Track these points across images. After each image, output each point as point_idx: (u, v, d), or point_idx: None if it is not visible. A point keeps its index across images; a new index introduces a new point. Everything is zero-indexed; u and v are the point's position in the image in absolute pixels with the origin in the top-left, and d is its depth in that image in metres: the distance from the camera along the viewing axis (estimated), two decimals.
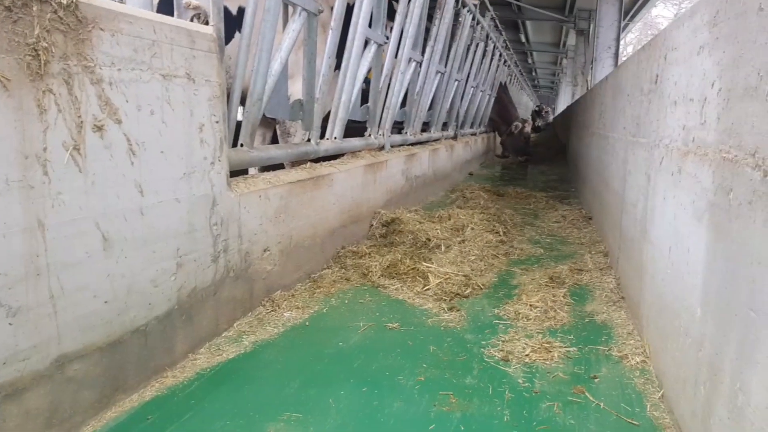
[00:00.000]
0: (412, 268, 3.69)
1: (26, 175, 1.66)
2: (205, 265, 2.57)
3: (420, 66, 6.27)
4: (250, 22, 2.87)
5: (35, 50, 1.66)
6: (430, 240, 4.29)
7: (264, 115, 3.21)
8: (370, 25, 4.47)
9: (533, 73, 35.28)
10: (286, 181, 3.28)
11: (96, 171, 1.91)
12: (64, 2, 1.74)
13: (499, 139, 14.93)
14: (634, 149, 3.47)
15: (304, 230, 3.50)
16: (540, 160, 13.34)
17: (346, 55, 4.16)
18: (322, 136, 4.07)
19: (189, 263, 2.45)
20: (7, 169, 1.60)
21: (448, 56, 7.61)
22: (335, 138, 4.25)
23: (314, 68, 3.64)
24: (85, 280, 1.90)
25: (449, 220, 4.95)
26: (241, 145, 3.02)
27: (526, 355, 2.62)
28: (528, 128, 14.06)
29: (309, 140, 3.82)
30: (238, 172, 3.00)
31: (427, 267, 3.68)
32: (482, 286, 3.55)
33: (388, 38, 5.01)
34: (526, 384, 2.36)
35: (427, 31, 6.47)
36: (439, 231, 4.49)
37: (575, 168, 9.24)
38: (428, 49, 6.47)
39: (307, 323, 2.95)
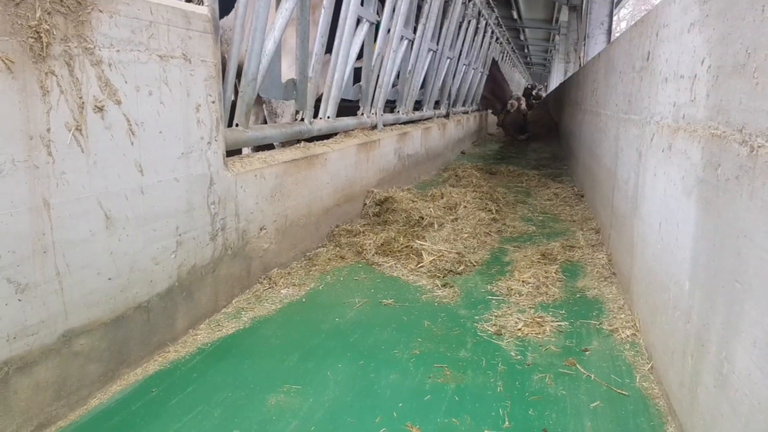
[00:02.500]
0: (406, 246, 3.75)
1: (31, 156, 1.68)
2: (204, 243, 2.61)
3: (412, 44, 6.26)
4: (244, 1, 2.87)
5: (37, 32, 1.67)
6: (423, 218, 4.34)
7: (258, 95, 3.23)
8: (362, 4, 4.46)
9: (526, 50, 35.11)
10: (281, 160, 3.30)
11: (98, 151, 1.94)
12: None
13: (492, 118, 14.93)
14: (626, 126, 3.52)
15: (299, 209, 3.54)
16: (533, 138, 13.38)
17: (338, 34, 4.16)
18: (315, 115, 4.08)
19: (188, 241, 2.49)
20: (13, 150, 1.62)
21: (440, 34, 7.58)
22: (328, 117, 4.26)
23: (307, 48, 3.64)
24: (89, 257, 1.93)
25: (442, 198, 5.00)
26: (237, 125, 3.04)
27: (519, 330, 2.67)
28: (524, 105, 14.05)
29: (302, 119, 3.84)
30: (233, 153, 3.03)
31: (421, 245, 3.74)
32: (475, 263, 3.60)
33: (379, 16, 5.00)
34: (519, 357, 2.42)
35: (420, 8, 6.43)
36: (432, 209, 4.54)
37: (567, 146, 9.29)
38: (420, 27, 6.45)
39: (303, 300, 3.00)
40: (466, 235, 4.11)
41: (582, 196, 5.89)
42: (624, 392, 2.17)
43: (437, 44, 7.48)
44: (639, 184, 2.91)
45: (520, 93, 16.57)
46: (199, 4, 2.54)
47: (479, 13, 10.09)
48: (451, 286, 3.23)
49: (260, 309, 2.85)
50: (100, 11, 1.91)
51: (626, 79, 3.68)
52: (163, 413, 1.95)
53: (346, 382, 2.20)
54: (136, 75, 2.10)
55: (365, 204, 4.65)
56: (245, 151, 3.87)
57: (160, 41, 2.22)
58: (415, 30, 6.32)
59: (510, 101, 13.49)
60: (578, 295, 3.15)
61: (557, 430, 1.93)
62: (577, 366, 2.35)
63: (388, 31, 5.36)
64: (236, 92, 3.05)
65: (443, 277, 3.37)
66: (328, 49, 4.07)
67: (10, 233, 1.63)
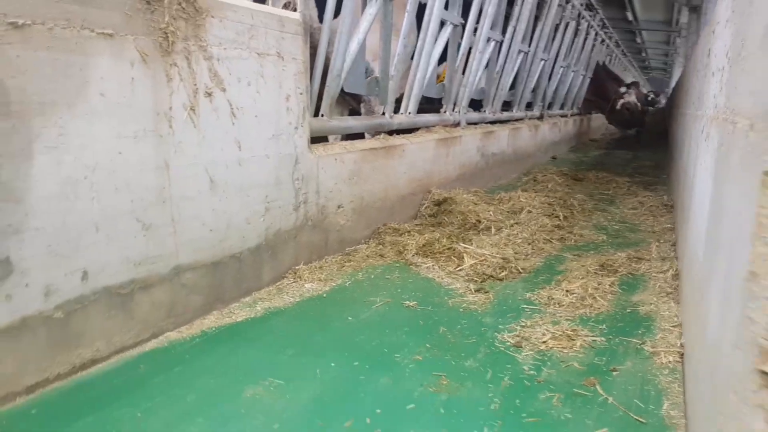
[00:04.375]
0: (448, 248, 3.67)
1: (157, 127, 2.23)
2: (288, 212, 3.11)
3: (500, 46, 6.49)
4: (332, 7, 3.35)
5: (165, 33, 2.22)
6: (480, 222, 4.29)
7: (344, 91, 3.70)
8: (446, 7, 4.81)
9: (643, 54, 33.31)
10: (359, 148, 3.75)
11: (206, 128, 2.47)
12: None
13: (596, 122, 14.57)
14: (695, 123, 3.58)
15: (374, 193, 3.97)
16: (643, 145, 12.83)
17: (421, 36, 4.55)
18: (396, 110, 4.50)
19: (275, 209, 2.99)
20: (145, 122, 2.18)
21: (532, 36, 7.73)
22: (409, 113, 4.66)
23: (389, 48, 4.06)
24: (196, 211, 2.47)
25: (508, 202, 4.97)
26: (322, 115, 3.53)
27: (543, 342, 2.48)
28: (630, 98, 13.51)
29: (383, 114, 4.26)
30: (319, 140, 3.51)
31: (464, 248, 3.64)
32: (521, 270, 3.45)
33: (464, 19, 5.32)
34: (532, 372, 2.23)
35: (510, 11, 6.66)
36: (491, 213, 4.51)
37: (668, 152, 8.99)
38: (509, 29, 6.67)
39: (324, 295, 2.99)
40: (519, 241, 3.99)
41: (671, 206, 5.63)
42: (641, 419, 1.93)
43: (529, 46, 7.64)
44: (695, 181, 2.99)
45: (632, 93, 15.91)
46: (293, 11, 3.04)
47: (579, 14, 10.03)
48: (486, 292, 3.09)
49: (278, 300, 2.87)
50: (212, 17, 2.45)
51: (699, 77, 3.73)
52: (141, 390, 1.98)
53: (332, 382, 2.12)
54: (239, 69, 2.62)
55: (422, 204, 4.64)
56: (331, 139, 4.37)
57: (258, 41, 2.73)
58: (504, 32, 6.56)
59: (616, 97, 13.11)
60: (628, 310, 2.89)
61: None
62: (597, 387, 2.12)
63: (475, 31, 5.66)
64: (323, 87, 3.53)
65: (480, 282, 3.25)
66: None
67: (140, 185, 2.19)
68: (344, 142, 3.74)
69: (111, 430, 1.74)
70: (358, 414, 1.90)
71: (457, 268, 3.41)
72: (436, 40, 4.73)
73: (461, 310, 2.87)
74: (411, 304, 2.91)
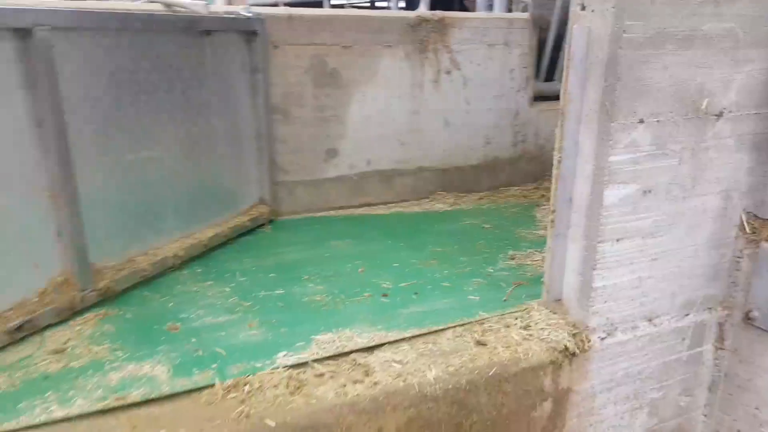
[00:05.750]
0: None
1: (413, 91, 4.26)
2: (506, 147, 4.75)
3: None
4: (559, 5, 4.63)
5: (422, 41, 4.17)
6: None
7: None
8: None
9: None
10: None
11: (444, 91, 4.36)
12: (436, 19, 4.17)
13: None
14: None
15: None
16: None
17: None
18: None
19: (494, 143, 4.69)
20: (405, 89, 4.23)
21: None
22: None
23: None
24: (434, 138, 4.44)
25: None
26: (545, 81, 4.89)
27: None
28: None
29: None
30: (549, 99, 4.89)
31: None
32: None
33: None
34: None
35: None
36: None
37: None
38: None
39: (483, 206, 4.40)
40: None
41: None
42: None
43: None
44: None
45: None
46: (524, 12, 4.54)
47: None
48: None
49: (466, 203, 4.52)
50: (454, 27, 4.26)
51: None
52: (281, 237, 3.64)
53: (377, 250, 3.39)
54: (471, 55, 4.38)
55: None
56: None
57: (488, 36, 4.40)
58: None
59: None
60: None
61: None
62: None
63: None
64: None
65: None
66: None
67: (401, 121, 4.28)
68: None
69: (349, 230, 3.99)
70: (390, 261, 3.23)
71: None
72: None
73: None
74: (487, 227, 3.88)
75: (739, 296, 2.58)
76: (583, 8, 2.21)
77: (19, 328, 2.31)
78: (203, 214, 3.36)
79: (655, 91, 2.20)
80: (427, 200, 4.53)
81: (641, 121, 2.20)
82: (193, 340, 2.34)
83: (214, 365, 2.15)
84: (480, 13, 4.41)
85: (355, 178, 4.25)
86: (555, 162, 2.38)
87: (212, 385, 2.00)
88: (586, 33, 2.19)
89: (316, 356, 2.18)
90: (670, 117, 2.25)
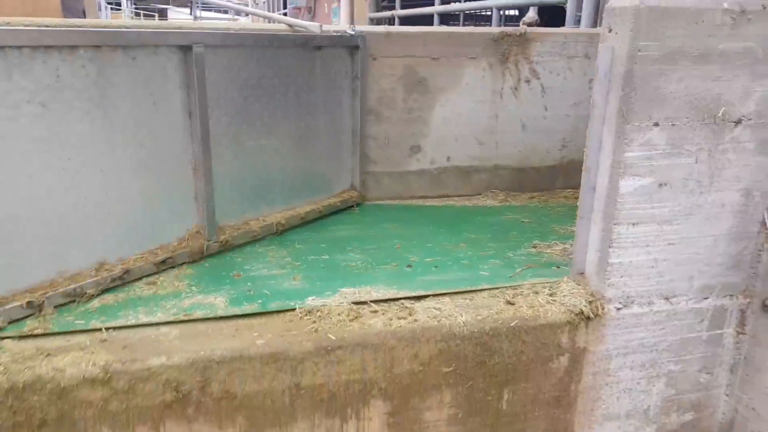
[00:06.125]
0: None
1: (493, 98, 4.77)
2: (581, 150, 5.08)
3: None
4: None
5: (504, 54, 4.68)
6: None
7: None
8: None
9: None
10: None
11: (523, 98, 4.82)
12: (518, 34, 4.66)
13: None
14: None
15: None
16: None
17: None
18: None
19: (570, 146, 5.05)
20: (486, 95, 4.75)
21: None
22: None
23: None
24: (511, 140, 4.90)
25: None
26: None
27: None
28: None
29: None
30: None
31: None
32: None
33: None
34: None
35: None
36: None
37: None
38: None
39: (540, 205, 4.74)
40: None
41: None
42: None
43: None
44: None
45: None
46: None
47: None
48: None
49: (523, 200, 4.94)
50: (535, 41, 4.71)
51: None
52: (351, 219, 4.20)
53: (418, 233, 3.86)
54: (551, 66, 4.80)
55: None
56: None
57: (568, 49, 4.79)
58: None
59: None
60: None
61: None
62: None
63: None
64: None
65: None
66: None
67: (480, 123, 4.81)
68: None
69: (406, 215, 4.56)
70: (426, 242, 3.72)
71: None
72: None
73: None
74: (526, 221, 4.21)
75: (759, 286, 2.84)
76: (610, 30, 2.66)
77: (163, 262, 3.19)
78: (304, 193, 4.14)
79: (670, 99, 2.58)
80: (484, 196, 4.90)
81: (656, 124, 2.60)
82: (249, 284, 3.05)
83: (259, 301, 2.83)
84: (563, 29, 4.79)
85: (435, 172, 4.84)
86: (584, 157, 2.83)
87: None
88: (611, 51, 2.63)
89: (339, 303, 2.76)
90: (685, 122, 2.62)
